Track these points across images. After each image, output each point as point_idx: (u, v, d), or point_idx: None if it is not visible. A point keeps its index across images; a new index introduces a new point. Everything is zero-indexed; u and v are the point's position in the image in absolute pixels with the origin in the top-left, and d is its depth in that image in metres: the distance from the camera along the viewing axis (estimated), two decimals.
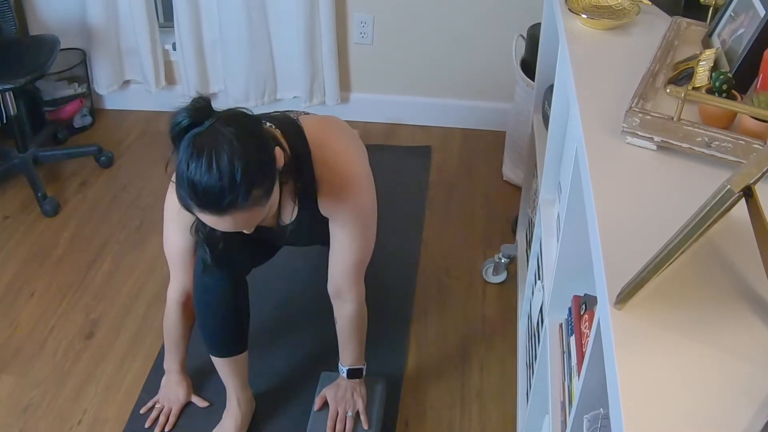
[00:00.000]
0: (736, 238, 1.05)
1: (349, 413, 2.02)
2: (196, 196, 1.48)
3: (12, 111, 2.95)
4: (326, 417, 2.03)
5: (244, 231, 1.60)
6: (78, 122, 3.36)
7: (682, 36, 1.55)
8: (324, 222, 1.85)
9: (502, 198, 2.97)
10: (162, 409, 2.12)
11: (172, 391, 2.13)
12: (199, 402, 2.14)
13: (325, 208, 1.80)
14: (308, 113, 1.94)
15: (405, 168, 3.11)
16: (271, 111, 1.95)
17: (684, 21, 1.60)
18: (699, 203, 1.10)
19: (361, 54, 3.28)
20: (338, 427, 2.00)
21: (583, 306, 1.40)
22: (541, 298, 1.82)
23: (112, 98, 3.51)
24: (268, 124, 1.69)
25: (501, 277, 2.57)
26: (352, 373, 2.05)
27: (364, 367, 2.07)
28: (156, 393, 2.16)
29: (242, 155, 1.47)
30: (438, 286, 2.56)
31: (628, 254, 1.02)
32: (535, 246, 2.07)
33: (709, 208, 0.80)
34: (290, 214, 1.83)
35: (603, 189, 1.15)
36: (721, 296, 0.96)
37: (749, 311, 0.94)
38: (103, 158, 3.13)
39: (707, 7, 1.57)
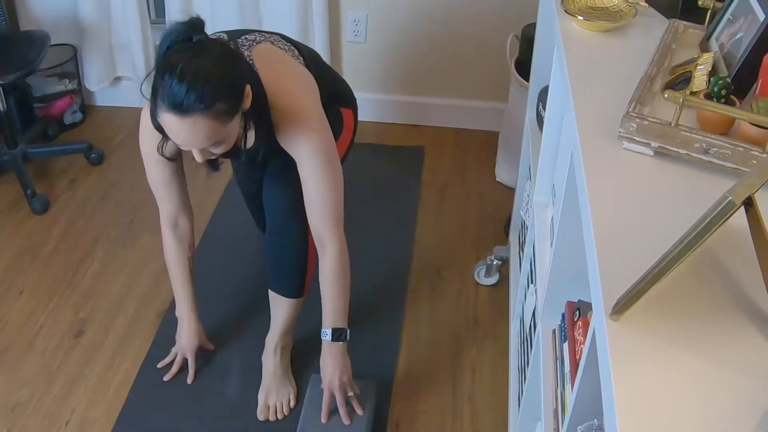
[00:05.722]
0: (733, 246, 1.04)
1: (350, 393, 2.01)
2: (164, 90, 1.59)
3: (1, 107, 2.92)
4: (318, 410, 2.01)
5: (197, 157, 1.72)
6: (68, 119, 3.33)
7: (679, 39, 1.53)
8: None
9: (495, 199, 2.95)
10: (175, 359, 2.22)
11: (184, 339, 2.20)
12: (205, 345, 2.24)
13: (285, 145, 1.89)
14: (261, 41, 1.96)
15: (397, 168, 3.09)
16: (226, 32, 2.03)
17: (681, 24, 1.58)
18: (697, 210, 1.09)
19: (355, 53, 3.26)
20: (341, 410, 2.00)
21: (577, 312, 1.39)
22: (534, 302, 1.80)
23: (103, 95, 3.48)
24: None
25: (493, 279, 2.55)
26: (336, 335, 1.96)
27: (348, 331, 1.98)
28: (146, 395, 2.15)
29: (219, 69, 1.63)
30: (430, 287, 2.54)
31: (624, 263, 1.00)
32: (528, 249, 2.05)
33: (710, 219, 0.78)
34: (249, 142, 1.92)
35: (599, 195, 1.13)
36: (719, 307, 0.95)
37: (748, 323, 0.93)
38: (93, 155, 3.10)
39: (705, 10, 1.56)
